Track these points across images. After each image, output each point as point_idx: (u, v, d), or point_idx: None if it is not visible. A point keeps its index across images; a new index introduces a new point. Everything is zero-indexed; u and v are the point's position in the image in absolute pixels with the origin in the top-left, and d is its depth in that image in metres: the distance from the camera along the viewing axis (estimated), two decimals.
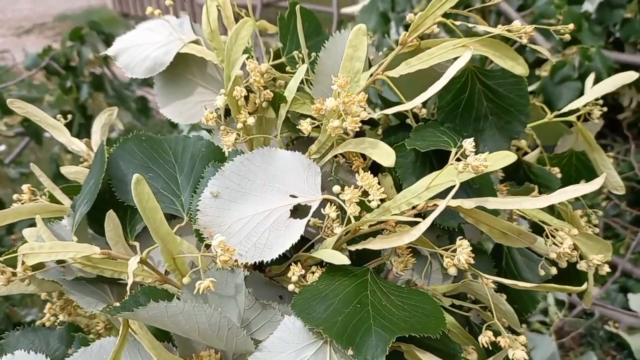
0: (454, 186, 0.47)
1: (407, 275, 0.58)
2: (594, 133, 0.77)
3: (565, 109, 0.73)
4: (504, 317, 0.57)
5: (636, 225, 1.94)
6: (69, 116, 0.72)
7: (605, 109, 0.75)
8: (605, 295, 1.81)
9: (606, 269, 0.59)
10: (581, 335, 1.94)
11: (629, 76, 0.69)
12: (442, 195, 0.48)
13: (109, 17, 6.10)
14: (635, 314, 1.63)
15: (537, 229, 0.56)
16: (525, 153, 0.77)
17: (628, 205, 1.99)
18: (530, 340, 1.54)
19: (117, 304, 0.43)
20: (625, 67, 1.65)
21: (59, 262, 0.52)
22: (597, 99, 0.73)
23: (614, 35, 1.89)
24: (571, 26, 0.53)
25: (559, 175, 0.75)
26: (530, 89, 1.83)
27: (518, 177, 0.73)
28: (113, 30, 2.26)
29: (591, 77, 0.76)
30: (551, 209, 0.67)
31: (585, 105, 0.73)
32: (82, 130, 1.99)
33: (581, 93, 0.75)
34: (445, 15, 0.54)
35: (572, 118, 0.74)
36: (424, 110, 0.72)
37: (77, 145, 0.69)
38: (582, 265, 0.56)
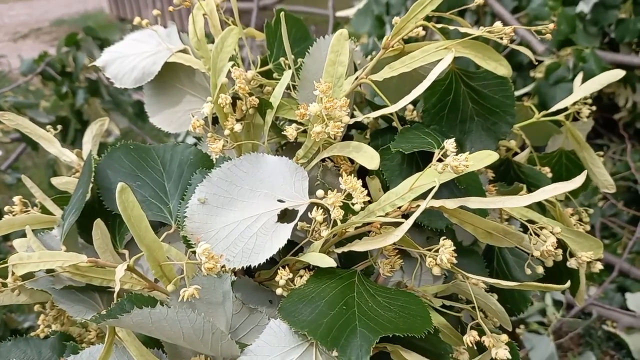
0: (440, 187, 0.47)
1: (397, 276, 0.59)
2: (584, 132, 0.77)
3: (554, 109, 0.73)
4: (495, 316, 0.57)
5: (633, 224, 1.93)
6: (61, 125, 0.72)
7: (594, 107, 0.75)
8: (603, 295, 1.80)
9: (599, 266, 0.59)
10: (579, 335, 1.93)
11: (616, 74, 0.69)
12: (427, 196, 0.49)
13: (106, 22, 6.11)
14: (634, 313, 1.62)
15: (527, 228, 0.56)
16: (516, 153, 0.77)
17: (625, 205, 1.98)
18: (528, 341, 1.53)
19: (104, 311, 0.43)
20: (620, 67, 1.64)
21: (49, 271, 0.52)
22: (586, 98, 0.73)
23: (609, 36, 1.89)
24: (551, 26, 0.54)
25: (550, 175, 0.75)
26: (525, 90, 1.83)
27: (509, 178, 0.74)
28: (110, 35, 2.25)
29: (579, 76, 0.77)
30: (542, 208, 0.67)
31: (574, 104, 0.73)
32: (78, 136, 1.98)
33: None
34: (427, 18, 0.54)
35: (561, 117, 0.74)
36: (414, 113, 0.72)
37: (67, 156, 0.69)
38: (572, 263, 0.57)
